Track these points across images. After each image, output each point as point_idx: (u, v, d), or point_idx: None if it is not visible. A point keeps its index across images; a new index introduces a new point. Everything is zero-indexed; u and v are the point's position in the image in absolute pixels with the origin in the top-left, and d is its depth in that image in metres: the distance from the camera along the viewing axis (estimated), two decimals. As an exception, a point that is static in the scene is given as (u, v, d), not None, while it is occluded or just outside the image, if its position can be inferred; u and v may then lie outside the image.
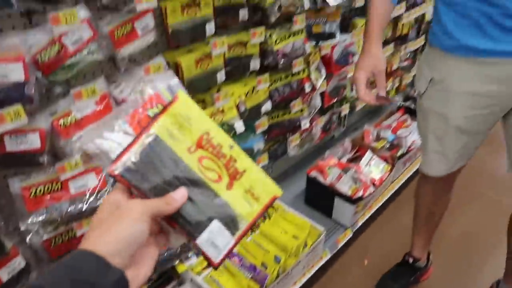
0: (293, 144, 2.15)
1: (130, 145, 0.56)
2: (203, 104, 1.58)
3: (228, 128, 1.59)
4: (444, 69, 1.33)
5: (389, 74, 2.66)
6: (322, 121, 2.30)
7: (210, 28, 1.43)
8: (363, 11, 2.24)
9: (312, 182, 2.12)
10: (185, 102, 0.60)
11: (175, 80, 0.63)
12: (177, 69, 1.43)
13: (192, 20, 1.38)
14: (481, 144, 1.51)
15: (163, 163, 0.56)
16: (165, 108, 0.59)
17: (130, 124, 0.59)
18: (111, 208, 0.52)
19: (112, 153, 0.57)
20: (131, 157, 0.55)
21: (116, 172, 0.54)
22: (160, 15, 1.34)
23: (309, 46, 1.85)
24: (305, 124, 2.10)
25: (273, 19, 1.61)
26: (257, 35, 1.55)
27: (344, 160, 2.28)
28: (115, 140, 0.58)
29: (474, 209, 2.42)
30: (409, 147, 2.45)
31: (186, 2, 1.33)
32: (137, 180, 0.55)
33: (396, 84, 2.75)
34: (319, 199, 2.11)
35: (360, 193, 2.03)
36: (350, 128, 2.69)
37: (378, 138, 2.54)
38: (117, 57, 1.24)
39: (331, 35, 1.96)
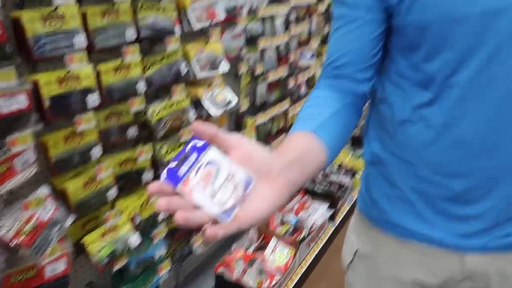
0: (198, 242, 2.18)
1: None
2: (95, 221, 1.59)
3: (122, 247, 1.60)
4: (371, 243, 1.00)
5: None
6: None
7: (96, 152, 1.49)
8: (249, 111, 2.48)
9: (219, 280, 2.14)
10: None
11: None
12: (62, 194, 1.45)
13: (75, 149, 1.43)
14: None
15: None
16: None
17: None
18: None
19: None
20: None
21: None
22: (41, 146, 1.38)
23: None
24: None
25: (160, 134, 1.72)
26: (144, 153, 1.64)
27: (250, 250, 2.36)
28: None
29: None
30: (311, 228, 2.61)
31: (68, 134, 1.40)
32: None
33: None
34: (229, 295, 2.13)
35: (265, 284, 2.09)
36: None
37: (282, 223, 2.67)
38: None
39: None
